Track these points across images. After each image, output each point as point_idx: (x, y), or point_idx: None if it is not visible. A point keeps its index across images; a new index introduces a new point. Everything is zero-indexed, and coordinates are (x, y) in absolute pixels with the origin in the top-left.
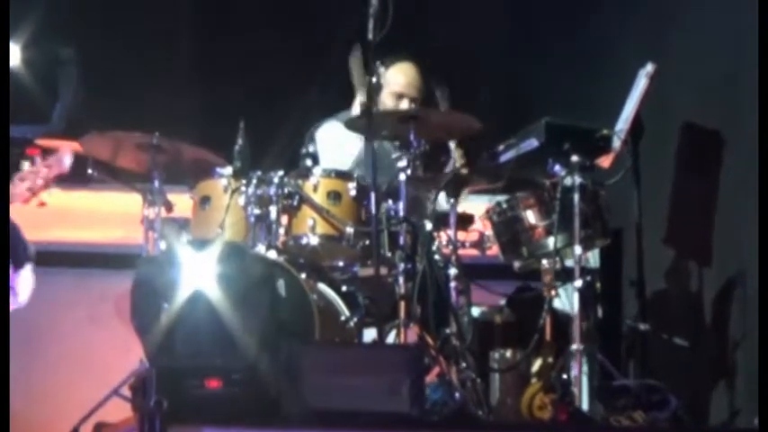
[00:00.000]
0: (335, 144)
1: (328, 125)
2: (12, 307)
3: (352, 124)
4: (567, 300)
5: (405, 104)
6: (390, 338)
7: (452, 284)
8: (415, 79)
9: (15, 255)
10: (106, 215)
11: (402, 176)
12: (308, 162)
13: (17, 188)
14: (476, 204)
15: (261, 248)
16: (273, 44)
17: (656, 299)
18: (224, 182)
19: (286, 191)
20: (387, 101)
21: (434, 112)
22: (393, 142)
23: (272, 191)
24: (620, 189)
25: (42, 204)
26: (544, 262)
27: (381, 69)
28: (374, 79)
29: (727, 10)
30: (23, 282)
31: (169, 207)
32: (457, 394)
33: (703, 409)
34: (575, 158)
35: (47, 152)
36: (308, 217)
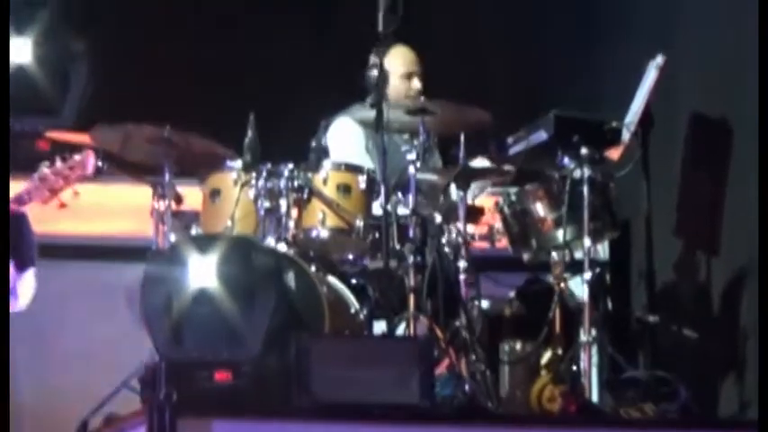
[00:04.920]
0: (347, 138)
1: (341, 119)
2: (11, 310)
3: (362, 119)
4: (576, 291)
5: (416, 82)
6: (400, 331)
7: (462, 277)
8: (414, 54)
9: (22, 255)
10: (116, 208)
11: (411, 169)
12: (318, 155)
13: (38, 188)
14: (485, 197)
15: (271, 241)
16: (284, 36)
17: (665, 290)
18: (234, 175)
19: (296, 184)
20: (399, 86)
21: (444, 105)
22: (403, 135)
23: (282, 184)
24: (629, 181)
25: (63, 206)
26: (554, 254)
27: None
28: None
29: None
30: (26, 285)
31: (179, 200)
32: (466, 386)
33: (713, 401)
34: (584, 151)
35: (68, 151)
36: (317, 210)
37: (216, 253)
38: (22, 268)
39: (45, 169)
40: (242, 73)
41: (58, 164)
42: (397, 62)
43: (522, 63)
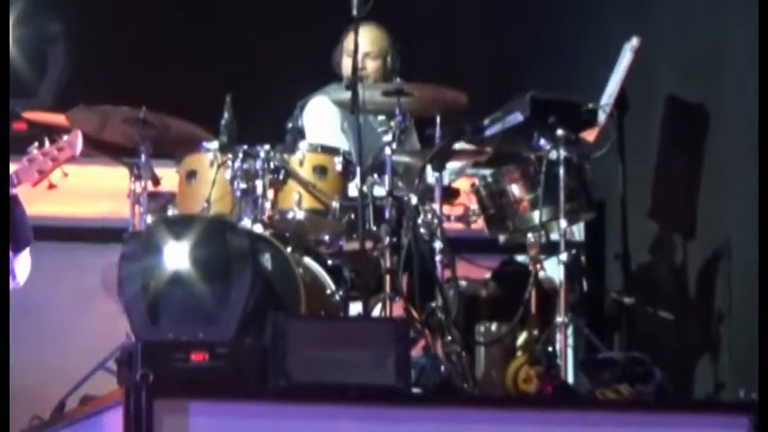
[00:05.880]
0: (323, 118)
1: (317, 99)
2: (10, 289)
3: (338, 99)
4: (552, 273)
5: (369, 62)
6: (376, 312)
7: (438, 258)
8: (375, 35)
9: (17, 238)
10: (93, 189)
11: (387, 150)
12: (294, 136)
13: (27, 170)
14: (461, 178)
15: (247, 222)
16: (261, 18)
17: (640, 272)
18: (210, 156)
19: (272, 165)
20: (350, 65)
21: (420, 86)
22: (379, 116)
23: (259, 165)
24: (604, 162)
25: (52, 186)
26: (529, 235)
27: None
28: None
29: None
30: (22, 264)
31: (156, 181)
32: (442, 367)
33: (688, 382)
34: (560, 132)
35: (57, 132)
36: (294, 191)
37: (191, 235)
38: (17, 249)
39: (34, 151)
40: (218, 55)
41: (47, 145)
42: (349, 41)
43: (499, 44)
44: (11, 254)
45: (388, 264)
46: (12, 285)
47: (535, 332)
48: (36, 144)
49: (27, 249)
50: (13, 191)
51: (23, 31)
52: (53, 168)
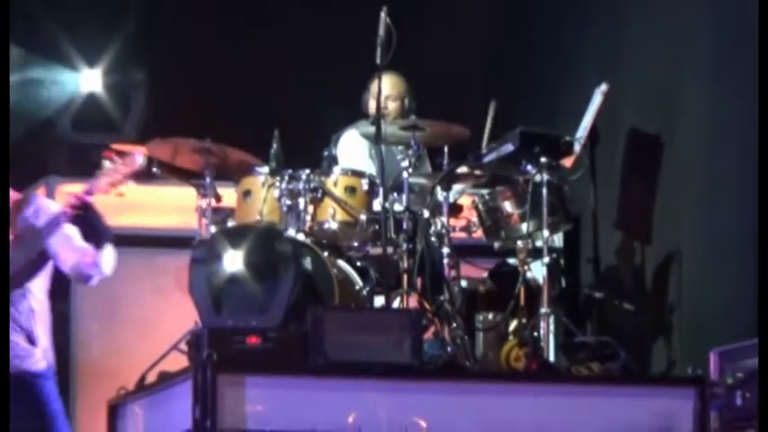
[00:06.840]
0: (353, 148)
1: (348, 133)
2: (98, 278)
3: (366, 133)
4: (537, 273)
5: (389, 104)
6: (395, 304)
7: (445, 261)
8: (395, 81)
9: (97, 235)
10: (167, 205)
11: (405, 174)
12: (329, 163)
13: (100, 182)
14: (464, 197)
15: (291, 232)
16: (303, 67)
17: (608, 272)
18: (262, 178)
19: (312, 186)
20: (372, 104)
21: (432, 122)
22: (398, 146)
23: (301, 186)
24: (579, 184)
25: (120, 195)
26: (519, 243)
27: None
28: (367, 96)
29: (667, 33)
30: (106, 257)
31: (218, 199)
32: (449, 348)
33: (646, 361)
34: (543, 160)
35: (124, 153)
36: (329, 207)
37: (246, 242)
38: (100, 245)
39: (107, 166)
40: (268, 97)
41: (117, 160)
42: (373, 88)
43: (495, 89)
44: (94, 250)
45: (405, 265)
46: (99, 274)
47: (523, 320)
48: (107, 162)
49: (109, 246)
50: (89, 199)
51: (112, 79)
52: (121, 180)
